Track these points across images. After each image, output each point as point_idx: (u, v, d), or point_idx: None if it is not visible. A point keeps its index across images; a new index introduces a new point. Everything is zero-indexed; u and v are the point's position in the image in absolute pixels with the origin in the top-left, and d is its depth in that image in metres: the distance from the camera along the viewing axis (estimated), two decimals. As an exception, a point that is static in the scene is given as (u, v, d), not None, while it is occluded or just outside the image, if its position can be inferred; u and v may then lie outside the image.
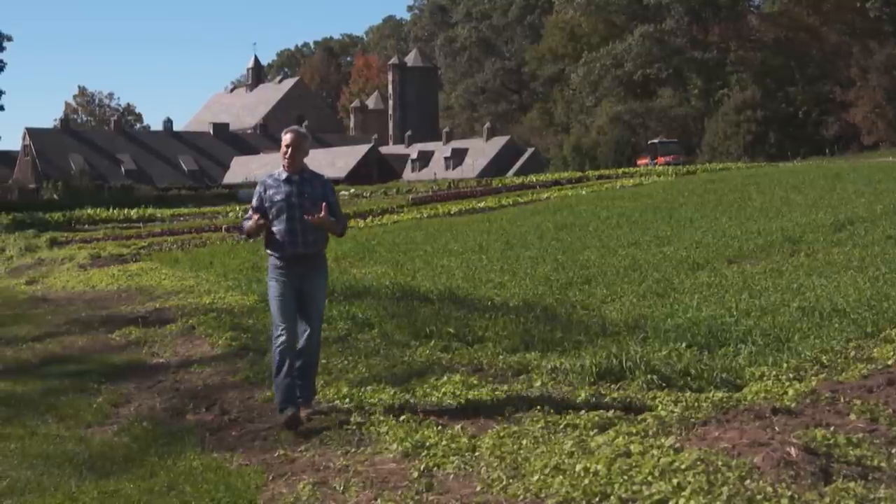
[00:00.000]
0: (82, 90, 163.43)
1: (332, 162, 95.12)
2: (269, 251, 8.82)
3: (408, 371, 10.15)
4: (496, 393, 8.88)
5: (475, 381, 9.43)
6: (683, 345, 10.07)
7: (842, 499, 5.46)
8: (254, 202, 8.85)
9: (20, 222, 46.95)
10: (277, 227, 8.67)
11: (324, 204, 8.60)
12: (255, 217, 8.67)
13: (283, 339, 8.53)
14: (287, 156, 8.74)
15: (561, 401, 8.41)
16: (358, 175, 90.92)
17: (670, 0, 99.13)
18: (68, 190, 78.60)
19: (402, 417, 8.24)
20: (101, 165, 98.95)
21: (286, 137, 8.82)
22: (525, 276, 16.86)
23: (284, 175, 8.78)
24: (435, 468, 6.94)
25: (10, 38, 71.32)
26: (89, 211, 56.11)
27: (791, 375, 8.73)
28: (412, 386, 9.42)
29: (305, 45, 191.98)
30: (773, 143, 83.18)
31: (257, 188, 8.94)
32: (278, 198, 8.68)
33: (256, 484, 7.07)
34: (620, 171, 60.35)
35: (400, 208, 45.13)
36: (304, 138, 8.92)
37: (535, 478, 6.38)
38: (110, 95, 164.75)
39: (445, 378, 9.56)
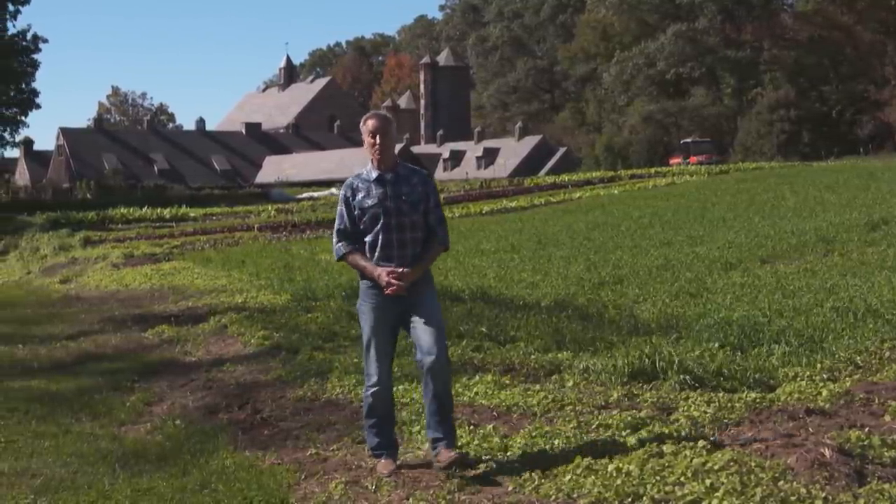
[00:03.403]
0: (115, 90, 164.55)
1: (364, 161, 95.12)
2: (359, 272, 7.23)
3: (439, 370, 10.14)
4: (528, 393, 8.85)
5: (507, 381, 9.42)
6: (716, 345, 10.02)
7: (876, 500, 5.43)
8: (341, 210, 7.23)
9: (54, 221, 47.23)
10: (370, 240, 7.06)
11: (402, 271, 6.92)
12: (379, 273, 6.92)
13: (375, 380, 7.11)
14: (375, 147, 7.16)
15: (593, 401, 8.38)
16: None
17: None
18: (101, 189, 78.85)
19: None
20: (134, 165, 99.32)
21: (370, 124, 7.19)
22: (557, 275, 16.84)
23: (375, 174, 7.19)
24: (467, 468, 6.93)
25: (45, 40, 71.74)
26: (122, 210, 56.34)
27: (825, 376, 8.67)
28: (444, 385, 9.40)
29: (337, 44, 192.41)
30: (807, 142, 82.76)
31: (342, 193, 7.28)
32: (369, 203, 7.08)
33: (288, 483, 7.08)
34: (653, 170, 60.28)
35: (432, 207, 45.12)
36: (391, 123, 7.29)
37: (567, 478, 6.37)
38: (143, 95, 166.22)
39: (477, 378, 9.54)
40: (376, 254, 7.01)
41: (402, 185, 7.10)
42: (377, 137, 7.11)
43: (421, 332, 6.98)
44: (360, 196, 7.13)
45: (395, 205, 7.02)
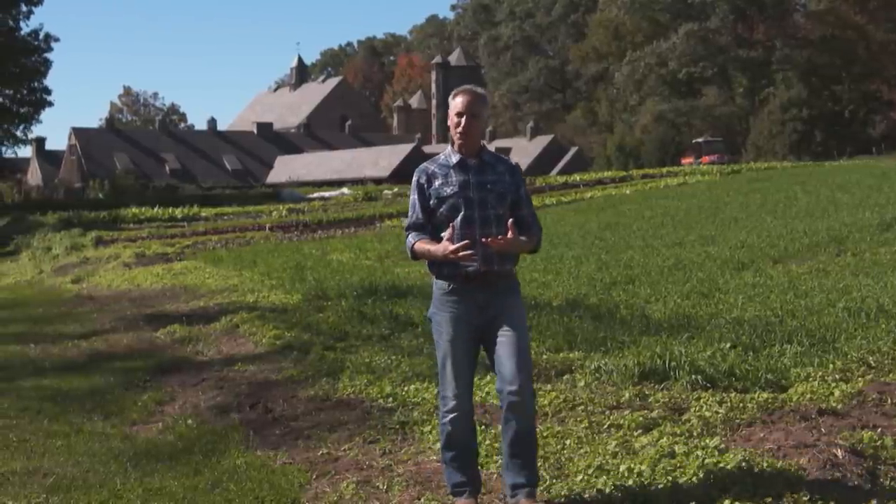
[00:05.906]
0: (127, 90, 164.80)
1: (375, 161, 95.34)
2: (433, 272, 6.12)
3: (451, 370, 10.13)
4: (539, 392, 8.84)
5: (518, 381, 9.39)
6: (728, 345, 9.98)
7: (889, 502, 5.41)
8: (413, 200, 6.17)
9: (66, 221, 47.31)
10: (448, 235, 5.83)
11: (510, 221, 5.85)
12: (445, 247, 5.78)
13: (453, 404, 6.03)
14: (460, 128, 5.99)
15: (605, 401, 8.36)
16: (401, 174, 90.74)
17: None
18: (113, 189, 78.97)
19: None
20: (145, 165, 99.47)
21: (458, 101, 6.01)
22: (568, 275, 16.79)
23: (455, 158, 6.10)
24: (478, 467, 6.92)
25: (57, 39, 71.94)
26: (134, 210, 56.49)
27: (837, 376, 8.63)
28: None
29: (349, 44, 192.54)
30: (819, 142, 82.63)
31: (415, 179, 6.19)
32: (448, 191, 6.01)
33: (300, 482, 7.08)
34: (664, 170, 60.27)
35: (443, 207, 45.13)
36: (484, 103, 6.08)
37: (579, 478, 6.36)
38: (155, 95, 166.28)
39: (488, 377, 9.51)
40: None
41: (488, 173, 6.05)
42: (464, 119, 5.97)
43: (503, 355, 5.89)
44: (437, 183, 6.06)
45: (480, 195, 5.98)
